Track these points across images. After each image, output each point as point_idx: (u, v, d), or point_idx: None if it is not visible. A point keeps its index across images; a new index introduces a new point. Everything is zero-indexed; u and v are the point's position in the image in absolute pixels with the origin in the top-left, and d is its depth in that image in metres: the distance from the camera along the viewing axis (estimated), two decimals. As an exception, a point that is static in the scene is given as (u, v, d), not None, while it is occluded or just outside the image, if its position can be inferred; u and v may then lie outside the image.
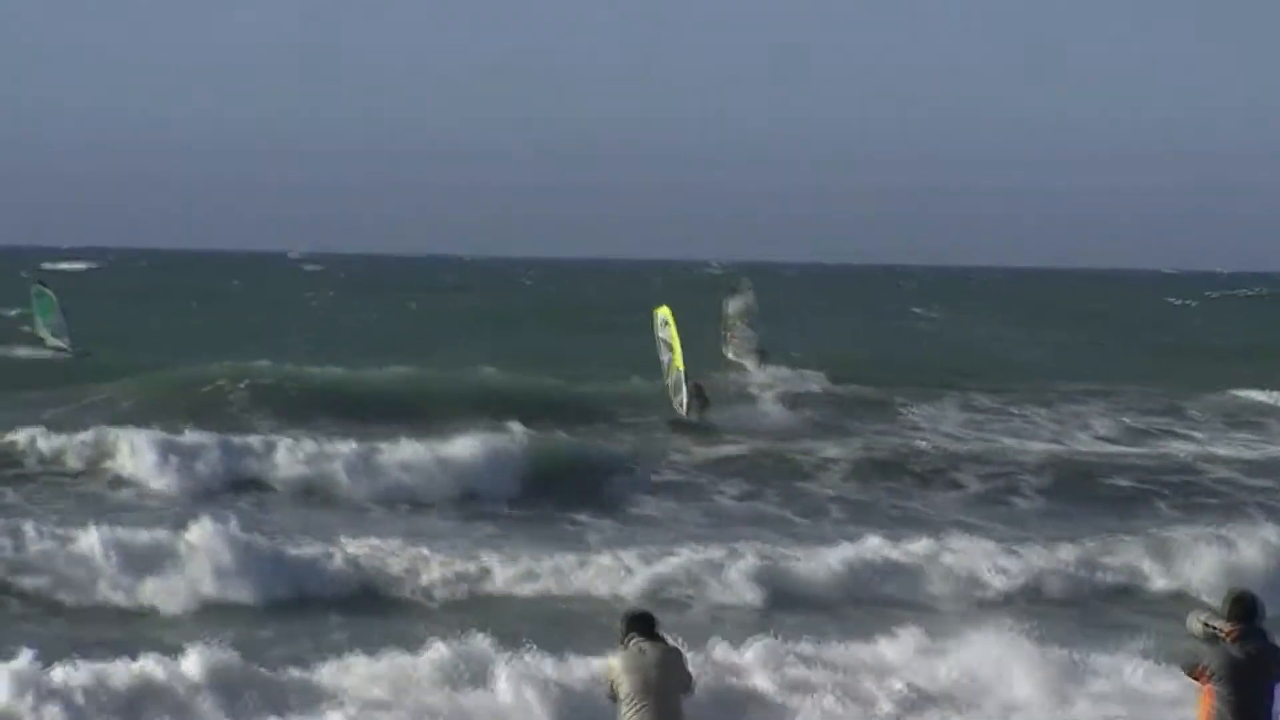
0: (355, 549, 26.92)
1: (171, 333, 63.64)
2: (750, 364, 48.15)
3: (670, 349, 42.54)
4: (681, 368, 42.01)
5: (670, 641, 15.18)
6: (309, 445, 33.90)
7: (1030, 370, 56.80)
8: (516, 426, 36.40)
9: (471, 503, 32.73)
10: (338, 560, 26.48)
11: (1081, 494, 35.23)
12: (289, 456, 33.50)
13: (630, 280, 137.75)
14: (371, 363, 46.66)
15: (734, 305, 49.78)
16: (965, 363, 57.64)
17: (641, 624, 14.99)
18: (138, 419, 36.23)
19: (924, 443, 39.16)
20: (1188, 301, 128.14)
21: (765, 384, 46.46)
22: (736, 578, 26.62)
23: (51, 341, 52.65)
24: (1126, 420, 44.93)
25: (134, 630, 23.51)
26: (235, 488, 32.58)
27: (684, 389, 41.94)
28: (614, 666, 14.80)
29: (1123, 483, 36.08)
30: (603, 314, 78.37)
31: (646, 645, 14.79)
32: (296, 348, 53.70)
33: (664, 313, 43.28)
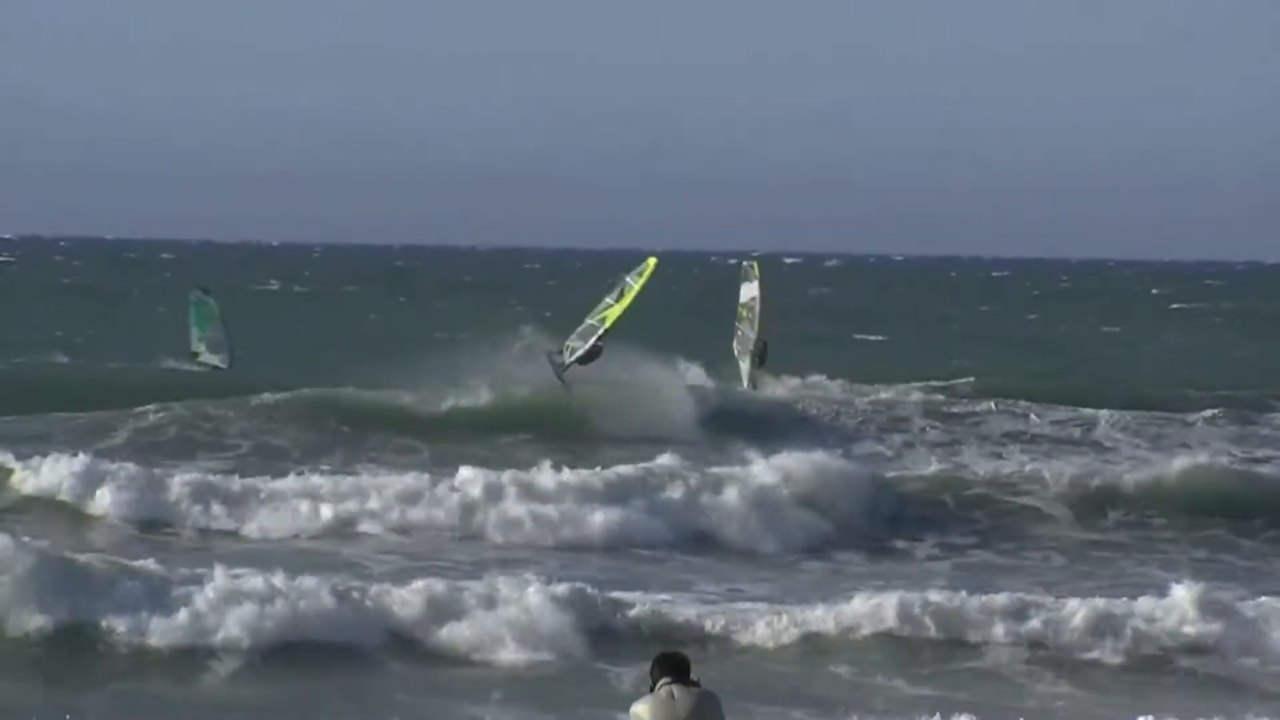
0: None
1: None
2: (743, 368, 42.97)
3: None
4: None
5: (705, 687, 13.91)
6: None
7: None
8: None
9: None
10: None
11: None
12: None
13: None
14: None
15: (743, 294, 43.66)
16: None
17: (674, 667, 13.81)
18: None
19: None
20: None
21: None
22: None
23: (206, 357, 47.59)
24: None
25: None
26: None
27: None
28: (640, 715, 13.71)
29: None
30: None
31: (679, 691, 13.67)
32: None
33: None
